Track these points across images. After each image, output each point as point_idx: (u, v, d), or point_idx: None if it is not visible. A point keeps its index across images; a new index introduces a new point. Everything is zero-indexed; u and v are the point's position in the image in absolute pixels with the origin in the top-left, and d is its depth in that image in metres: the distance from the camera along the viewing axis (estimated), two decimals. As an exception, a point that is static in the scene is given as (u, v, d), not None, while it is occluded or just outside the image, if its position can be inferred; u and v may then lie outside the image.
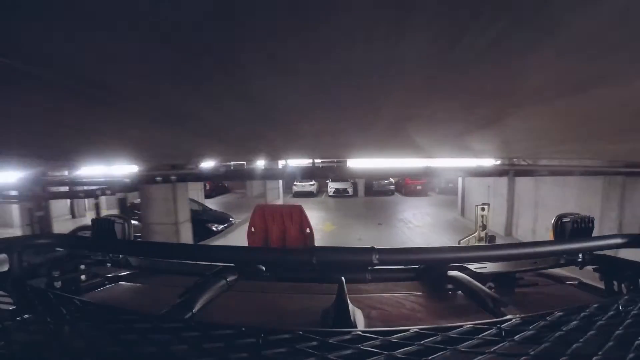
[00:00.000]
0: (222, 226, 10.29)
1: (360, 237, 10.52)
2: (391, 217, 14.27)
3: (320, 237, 10.30)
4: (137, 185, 5.84)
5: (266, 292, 1.05)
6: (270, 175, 7.33)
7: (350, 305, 0.70)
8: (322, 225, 12.07)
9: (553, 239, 1.06)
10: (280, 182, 17.35)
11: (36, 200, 5.77)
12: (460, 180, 14.07)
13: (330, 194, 20.45)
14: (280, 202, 16.31)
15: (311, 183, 20.78)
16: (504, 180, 10.17)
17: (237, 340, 0.50)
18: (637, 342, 0.49)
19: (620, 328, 0.54)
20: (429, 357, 0.47)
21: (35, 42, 0.57)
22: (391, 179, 21.35)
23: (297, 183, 20.40)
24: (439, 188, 21.76)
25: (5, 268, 0.91)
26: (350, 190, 20.67)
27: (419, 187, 20.78)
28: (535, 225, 9.19)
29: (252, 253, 1.05)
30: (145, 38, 0.58)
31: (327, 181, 20.59)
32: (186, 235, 7.21)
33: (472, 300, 0.85)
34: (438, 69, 0.74)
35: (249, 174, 6.06)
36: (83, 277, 1.06)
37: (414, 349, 0.49)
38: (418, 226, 12.26)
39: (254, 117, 1.19)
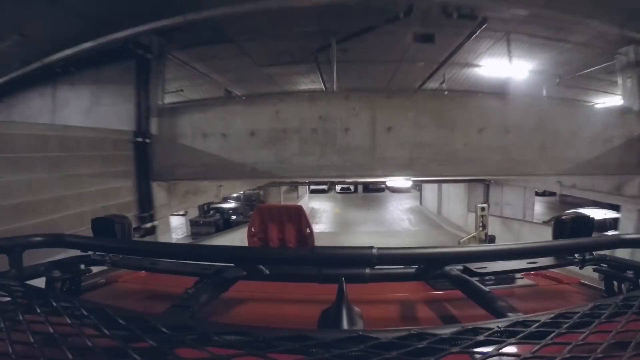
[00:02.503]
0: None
1: (354, 215, 18.44)
2: (377, 205, 22.60)
3: (332, 216, 18.38)
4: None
5: (266, 292, 1.03)
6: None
7: (350, 306, 0.68)
8: (332, 209, 20.06)
9: (553, 239, 1.02)
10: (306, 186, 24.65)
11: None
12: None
13: (338, 191, 28.12)
14: (306, 196, 23.55)
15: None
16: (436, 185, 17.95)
17: (236, 340, 0.50)
18: (637, 342, 0.49)
19: (620, 328, 0.52)
20: (429, 357, 0.46)
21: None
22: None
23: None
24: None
25: (5, 268, 0.88)
26: (352, 188, 28.38)
27: (403, 186, 28.43)
28: (450, 205, 16.94)
29: (252, 253, 1.01)
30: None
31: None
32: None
33: (472, 300, 0.82)
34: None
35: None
36: (83, 277, 1.03)
37: (414, 349, 0.48)
38: (391, 210, 20.18)
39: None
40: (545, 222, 11.58)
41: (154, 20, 4.58)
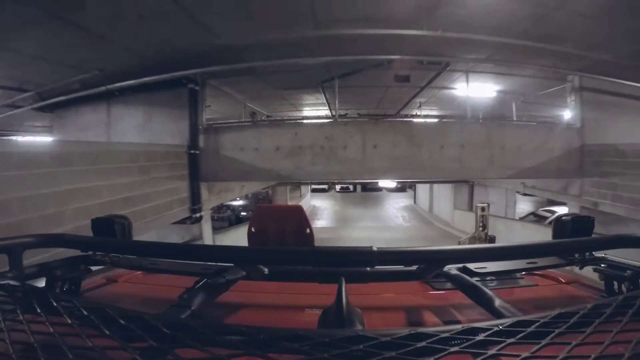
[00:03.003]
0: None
1: (353, 212, 20.08)
2: (374, 203, 24.28)
3: (332, 213, 20.00)
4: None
5: (266, 292, 1.03)
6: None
7: (350, 305, 0.68)
8: (332, 207, 21.70)
9: (553, 239, 1.02)
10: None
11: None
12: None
13: (337, 190, 29.88)
14: (308, 195, 25.50)
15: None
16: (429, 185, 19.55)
17: (236, 340, 0.49)
18: (637, 342, 0.48)
19: (620, 328, 0.52)
20: (429, 357, 0.46)
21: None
22: (381, 179, 30.61)
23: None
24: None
25: (5, 268, 0.87)
26: (351, 188, 30.05)
27: (398, 186, 30.03)
28: (440, 204, 18.53)
29: (252, 253, 1.01)
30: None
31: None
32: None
33: (472, 300, 0.81)
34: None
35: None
36: (83, 277, 1.03)
37: (414, 349, 0.47)
38: (387, 208, 21.81)
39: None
40: (521, 219, 13.16)
41: (206, 66, 6.20)
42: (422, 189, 21.77)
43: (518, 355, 0.46)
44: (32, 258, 0.94)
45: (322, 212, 21.69)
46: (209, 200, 6.89)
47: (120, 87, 7.20)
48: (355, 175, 7.25)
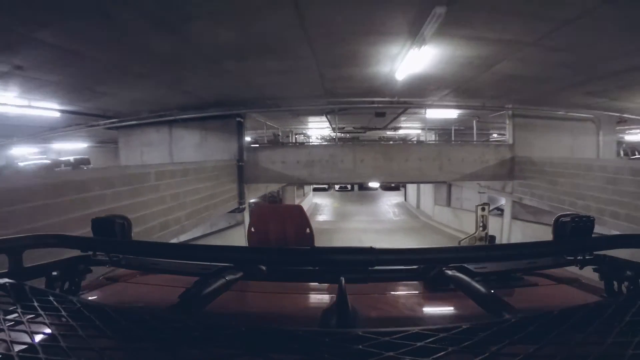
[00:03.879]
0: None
1: (350, 209, 23.14)
2: (370, 201, 27.44)
3: (332, 209, 23.02)
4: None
5: (266, 292, 1.02)
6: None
7: (350, 305, 0.68)
8: (332, 204, 24.80)
9: (553, 239, 1.02)
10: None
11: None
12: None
13: (337, 189, 32.83)
14: (310, 194, 27.90)
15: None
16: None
17: (237, 340, 0.50)
18: (636, 342, 0.48)
19: (620, 328, 0.52)
20: (429, 357, 0.46)
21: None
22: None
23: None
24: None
25: (5, 268, 0.87)
26: (349, 187, 33.02)
27: (392, 185, 32.84)
28: (425, 201, 21.53)
29: (252, 253, 1.02)
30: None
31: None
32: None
33: (472, 300, 0.80)
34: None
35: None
36: (83, 277, 1.03)
37: (414, 349, 0.48)
38: (380, 204, 24.88)
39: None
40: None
41: (249, 107, 9.31)
42: (412, 188, 24.49)
43: (518, 355, 0.46)
44: (32, 258, 0.93)
45: (323, 209, 24.66)
46: (247, 197, 9.94)
47: (182, 118, 10.18)
48: (349, 179, 11.32)
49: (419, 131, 16.17)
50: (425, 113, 10.66)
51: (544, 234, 5.97)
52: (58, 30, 4.38)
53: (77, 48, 5.04)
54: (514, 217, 10.91)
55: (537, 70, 6.65)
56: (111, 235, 1.05)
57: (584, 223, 1.02)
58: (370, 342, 0.49)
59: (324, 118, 12.46)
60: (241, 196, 9.46)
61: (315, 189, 30.59)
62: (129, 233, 1.11)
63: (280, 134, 15.33)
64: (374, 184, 27.22)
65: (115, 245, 1.04)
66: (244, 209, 9.64)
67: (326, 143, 11.63)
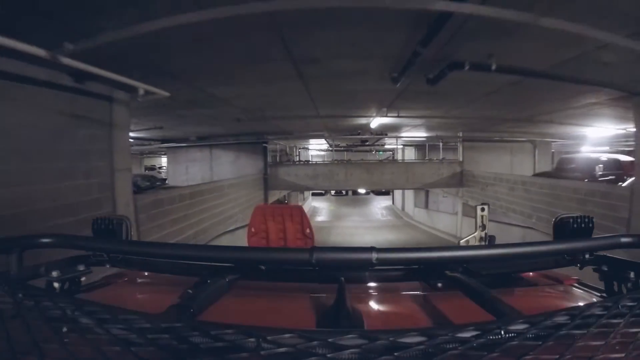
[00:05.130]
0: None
1: (344, 211, 26.99)
2: (362, 204, 30.97)
3: (328, 211, 26.88)
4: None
5: (266, 292, 1.01)
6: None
7: (350, 306, 0.69)
8: (329, 207, 28.67)
9: (553, 239, 1.02)
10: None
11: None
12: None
13: (332, 194, 36.38)
14: (310, 199, 30.67)
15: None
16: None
17: (237, 341, 0.50)
18: (637, 342, 0.49)
19: (620, 328, 0.53)
20: (429, 358, 0.47)
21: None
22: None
23: (313, 188, 35.36)
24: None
25: (5, 268, 0.88)
26: (343, 192, 36.63)
27: (383, 190, 36.49)
28: (408, 204, 25.25)
29: (252, 253, 1.00)
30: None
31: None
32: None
33: (472, 300, 0.81)
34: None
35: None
36: (83, 277, 1.02)
37: (414, 349, 0.48)
38: (371, 207, 28.81)
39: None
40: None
41: (272, 134, 13.17)
42: (398, 193, 27.66)
43: (518, 355, 0.46)
44: (32, 258, 0.93)
45: (321, 211, 27.99)
46: (269, 200, 13.81)
47: (219, 143, 13.94)
48: (342, 187, 16.44)
49: (400, 146, 20.09)
50: (397, 140, 14.69)
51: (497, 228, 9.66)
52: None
53: (184, 114, 8.79)
54: (464, 214, 14.79)
55: (468, 119, 10.39)
56: (111, 235, 1.06)
57: (584, 223, 1.01)
58: (370, 342, 0.49)
59: (322, 140, 16.42)
60: (266, 199, 13.30)
61: (313, 194, 33.17)
62: (129, 233, 1.11)
63: (287, 148, 19.17)
64: (364, 190, 30.98)
65: (115, 245, 1.01)
66: (267, 209, 13.56)
67: (326, 162, 15.90)
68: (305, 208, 22.55)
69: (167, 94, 4.75)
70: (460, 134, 14.24)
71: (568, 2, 2.81)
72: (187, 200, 7.36)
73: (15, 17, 2.87)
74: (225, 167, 13.91)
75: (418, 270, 0.98)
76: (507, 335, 0.52)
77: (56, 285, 0.92)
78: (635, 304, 0.60)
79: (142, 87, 4.40)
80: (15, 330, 0.53)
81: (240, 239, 9.48)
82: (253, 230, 1.37)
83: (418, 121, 10.82)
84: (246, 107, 8.11)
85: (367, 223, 22.11)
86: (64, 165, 4.26)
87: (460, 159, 14.51)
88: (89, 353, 0.48)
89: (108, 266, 1.07)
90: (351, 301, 0.72)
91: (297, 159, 19.45)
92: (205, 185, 9.46)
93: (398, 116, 8.93)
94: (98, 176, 4.82)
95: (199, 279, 0.90)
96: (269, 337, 0.50)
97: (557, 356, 0.47)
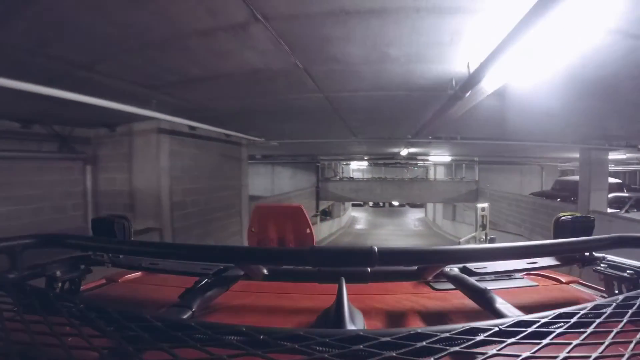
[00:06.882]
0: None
1: (380, 220, 30.16)
2: (397, 215, 33.61)
3: (366, 221, 30.20)
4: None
5: (266, 292, 1.02)
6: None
7: (350, 306, 0.69)
8: (366, 217, 31.84)
9: (553, 239, 1.01)
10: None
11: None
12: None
13: (370, 205, 39.20)
14: (350, 209, 31.68)
15: (361, 201, 39.06)
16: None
17: (237, 340, 0.50)
18: (637, 342, 0.49)
19: (620, 328, 0.53)
20: (429, 357, 0.47)
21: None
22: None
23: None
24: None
25: (5, 268, 0.88)
26: (381, 204, 39.55)
27: (418, 203, 38.99)
28: (438, 216, 28.17)
29: (252, 253, 0.99)
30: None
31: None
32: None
33: (472, 299, 0.82)
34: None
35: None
36: (83, 277, 1.02)
37: (414, 349, 0.48)
38: (405, 218, 31.79)
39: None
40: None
41: (324, 155, 16.75)
42: (430, 206, 30.20)
43: (518, 355, 0.46)
44: (32, 258, 0.93)
45: (359, 221, 30.43)
46: (319, 209, 17.51)
47: (282, 161, 17.73)
48: (379, 199, 20.57)
49: (432, 164, 23.29)
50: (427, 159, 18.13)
51: (497, 235, 12.04)
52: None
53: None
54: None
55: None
56: (111, 235, 1.06)
57: (584, 223, 1.02)
58: (370, 342, 0.49)
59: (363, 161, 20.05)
60: (317, 208, 17.05)
61: (353, 205, 35.37)
62: (129, 233, 1.10)
63: (333, 164, 22.79)
64: (397, 202, 33.57)
65: (115, 245, 1.02)
66: (318, 215, 17.16)
67: (366, 179, 19.79)
68: (345, 218, 27.59)
69: (276, 143, 8.55)
70: (477, 158, 17.25)
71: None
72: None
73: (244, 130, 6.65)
74: (285, 180, 17.70)
75: (418, 269, 0.95)
76: (506, 334, 0.52)
77: (56, 285, 0.92)
78: (634, 303, 0.60)
79: (257, 138, 8.20)
80: (16, 330, 0.52)
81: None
82: (253, 230, 1.35)
83: (437, 149, 14.11)
84: (317, 148, 11.82)
85: (399, 232, 25.01)
86: (222, 183, 7.97)
87: (477, 179, 17.62)
88: (89, 353, 0.48)
89: (108, 266, 1.04)
90: (351, 301, 0.71)
91: (341, 173, 22.99)
92: (281, 195, 13.29)
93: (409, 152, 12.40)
94: (235, 189, 8.51)
95: (199, 279, 0.90)
96: (268, 337, 0.50)
97: (557, 356, 0.46)
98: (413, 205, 36.63)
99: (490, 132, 7.36)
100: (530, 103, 4.16)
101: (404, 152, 12.47)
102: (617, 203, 11.62)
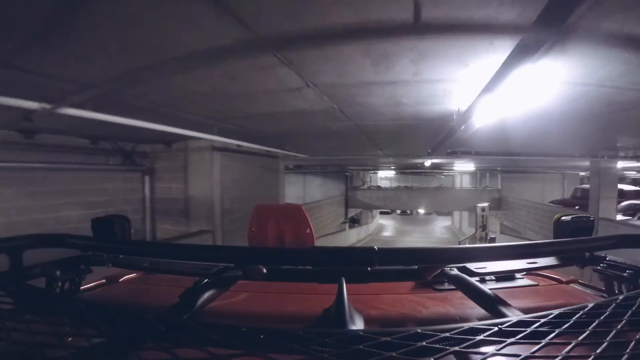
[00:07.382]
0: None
1: (407, 228, 30.89)
2: (424, 223, 34.25)
3: (393, 228, 31.00)
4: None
5: (266, 292, 1.02)
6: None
7: (350, 305, 0.69)
8: (394, 225, 32.55)
9: (553, 239, 1.00)
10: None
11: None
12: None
13: (398, 213, 39.96)
14: (377, 217, 32.46)
15: (389, 209, 39.56)
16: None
17: (237, 340, 0.50)
18: (637, 342, 0.48)
19: (620, 328, 0.52)
20: (429, 357, 0.46)
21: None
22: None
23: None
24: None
25: (6, 268, 0.88)
26: (408, 211, 40.19)
27: (445, 211, 39.49)
28: (463, 224, 28.68)
29: (252, 253, 0.99)
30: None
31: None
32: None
33: (471, 299, 0.81)
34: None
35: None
36: (83, 277, 1.02)
37: (414, 348, 0.48)
38: (431, 226, 32.40)
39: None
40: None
41: (353, 166, 18.00)
42: (457, 213, 30.95)
43: (518, 355, 0.46)
44: (32, 258, 0.94)
45: (387, 228, 30.81)
46: (348, 216, 18.72)
47: (312, 171, 19.00)
48: (405, 207, 22.48)
49: (458, 173, 24.07)
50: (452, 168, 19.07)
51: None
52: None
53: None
54: (501, 232, 18.50)
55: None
56: (111, 235, 1.05)
57: (584, 223, 1.02)
58: (370, 342, 0.49)
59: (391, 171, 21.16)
60: (346, 215, 18.23)
61: (381, 212, 35.45)
62: (129, 233, 1.10)
63: (361, 173, 23.88)
64: (423, 210, 33.85)
65: (115, 245, 1.02)
66: (346, 222, 18.36)
67: (393, 187, 20.99)
68: (373, 225, 28.45)
69: (310, 157, 9.84)
70: (499, 168, 18.02)
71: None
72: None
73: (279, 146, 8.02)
74: (315, 189, 18.85)
75: (418, 269, 0.94)
76: (506, 334, 0.51)
77: (56, 285, 0.93)
78: (634, 303, 0.60)
79: (295, 154, 9.51)
80: (16, 330, 0.52)
81: (328, 242, 13.93)
82: (253, 230, 1.31)
83: (460, 160, 15.06)
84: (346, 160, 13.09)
85: (425, 239, 25.57)
86: (263, 192, 9.25)
87: (499, 187, 18.39)
88: (89, 353, 0.49)
89: (108, 266, 1.04)
90: (351, 301, 0.71)
91: (369, 182, 24.04)
92: (314, 203, 14.56)
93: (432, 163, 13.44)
94: (273, 197, 9.75)
95: (199, 279, 0.90)
96: (269, 337, 0.50)
97: (557, 356, 0.46)
98: (440, 213, 36.92)
99: (498, 147, 8.39)
100: (524, 126, 5.25)
101: (427, 162, 13.42)
102: (630, 210, 12.31)
